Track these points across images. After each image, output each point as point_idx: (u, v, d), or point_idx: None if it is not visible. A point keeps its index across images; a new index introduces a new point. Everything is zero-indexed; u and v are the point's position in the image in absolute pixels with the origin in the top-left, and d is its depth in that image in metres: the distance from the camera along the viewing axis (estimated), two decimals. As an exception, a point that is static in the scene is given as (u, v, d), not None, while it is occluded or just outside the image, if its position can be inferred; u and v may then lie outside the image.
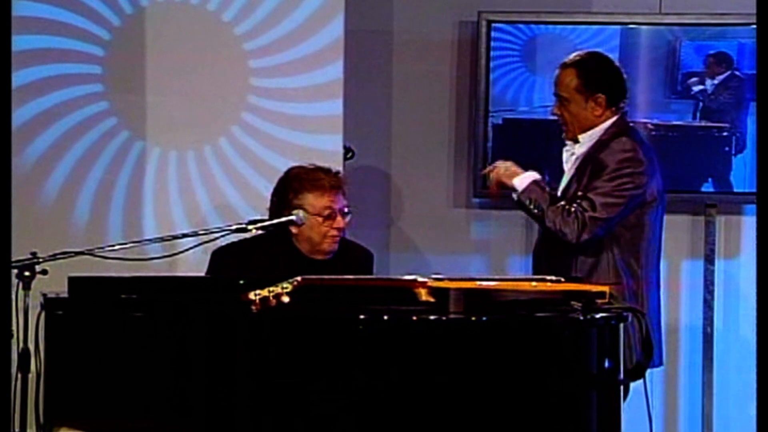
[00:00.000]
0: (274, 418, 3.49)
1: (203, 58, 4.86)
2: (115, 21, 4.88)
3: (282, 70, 4.90)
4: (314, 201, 4.19)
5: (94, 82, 4.87)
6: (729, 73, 5.32)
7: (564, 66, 4.29)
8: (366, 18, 5.35)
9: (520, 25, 5.35)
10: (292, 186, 4.22)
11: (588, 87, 4.21)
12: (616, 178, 4.13)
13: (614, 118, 4.23)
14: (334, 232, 4.21)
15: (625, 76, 4.30)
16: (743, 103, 5.31)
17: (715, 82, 5.32)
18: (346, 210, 4.25)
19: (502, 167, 4.24)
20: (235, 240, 4.20)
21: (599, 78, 4.23)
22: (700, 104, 5.34)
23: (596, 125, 4.22)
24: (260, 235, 4.16)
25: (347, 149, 5.06)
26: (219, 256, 4.22)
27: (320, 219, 4.18)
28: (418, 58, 5.45)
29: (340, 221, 4.21)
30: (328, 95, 4.90)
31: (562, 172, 4.34)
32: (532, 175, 4.20)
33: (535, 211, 4.15)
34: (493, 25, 5.32)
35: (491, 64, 5.33)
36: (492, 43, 5.33)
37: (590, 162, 4.20)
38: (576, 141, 4.28)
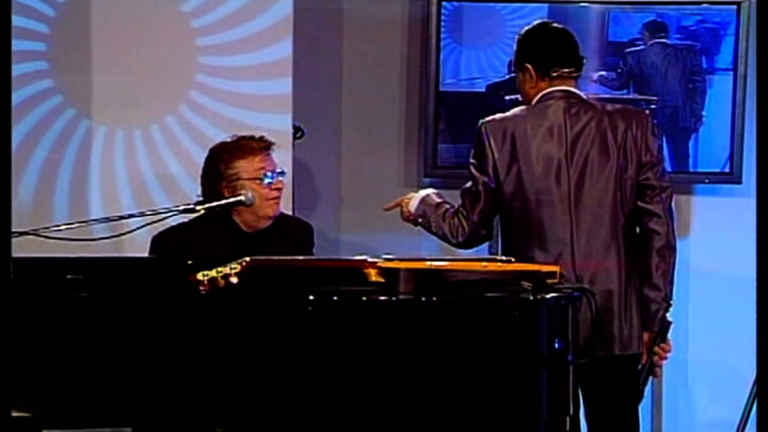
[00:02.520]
0: (222, 399, 3.46)
1: (150, 35, 4.83)
2: (60, -3, 4.85)
3: (230, 48, 4.87)
4: (247, 165, 4.18)
5: (38, 59, 4.83)
6: (657, 40, 5.34)
7: None
8: (316, -5, 5.34)
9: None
10: (221, 158, 4.20)
11: (518, 61, 4.11)
12: (469, 164, 4.06)
13: (546, 90, 4.05)
14: (275, 194, 4.21)
15: (563, 43, 4.10)
16: (673, 73, 5.33)
17: (643, 50, 5.33)
18: (279, 170, 4.23)
19: (402, 204, 4.16)
20: (174, 224, 4.17)
21: (526, 48, 4.09)
22: (627, 74, 5.35)
23: (533, 98, 4.08)
24: (199, 215, 4.13)
25: (297, 128, 5.04)
26: (159, 242, 4.19)
27: (257, 182, 4.17)
28: (369, 37, 5.43)
29: (277, 182, 4.21)
30: (277, 74, 4.88)
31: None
32: (422, 193, 4.14)
33: (425, 223, 4.10)
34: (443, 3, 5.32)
35: (442, 43, 5.33)
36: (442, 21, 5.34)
37: None
38: None
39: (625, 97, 5.28)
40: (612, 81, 5.33)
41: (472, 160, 4.05)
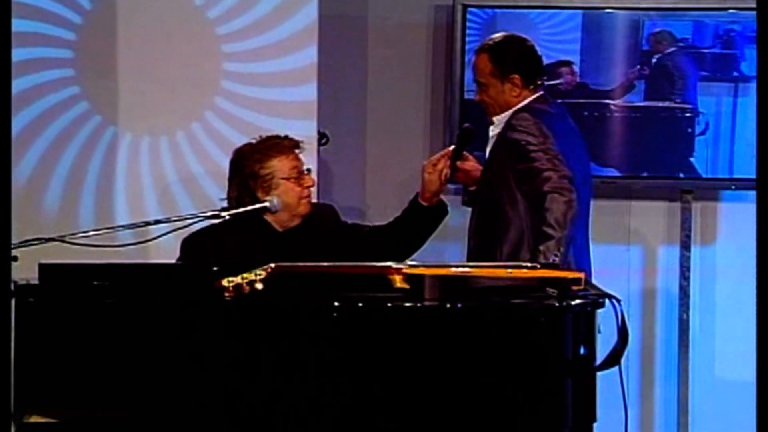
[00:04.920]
0: (248, 407, 3.46)
1: (176, 42, 4.83)
2: (86, 4, 4.85)
3: (256, 54, 4.87)
4: (280, 164, 4.18)
5: (65, 66, 4.84)
6: (672, 50, 5.31)
7: (478, 51, 4.36)
8: (340, 2, 5.33)
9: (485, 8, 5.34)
10: (253, 159, 4.19)
11: (502, 69, 4.28)
12: (538, 151, 4.16)
13: (532, 97, 4.28)
14: (307, 192, 4.21)
15: (540, 54, 4.35)
16: (688, 81, 5.30)
17: (655, 60, 5.31)
18: (307, 168, 4.24)
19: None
20: (204, 226, 4.16)
21: (512, 59, 4.29)
22: (644, 84, 5.33)
23: (515, 106, 4.27)
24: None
25: (321, 135, 5.04)
26: (189, 244, 4.18)
27: (293, 181, 4.17)
28: (393, 43, 5.42)
29: (309, 179, 4.22)
30: (303, 80, 4.88)
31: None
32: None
33: (560, 235, 4.12)
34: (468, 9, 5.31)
35: (466, 48, 5.31)
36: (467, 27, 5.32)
37: (504, 145, 4.25)
38: (493, 123, 4.34)
39: (660, 105, 5.27)
40: (645, 88, 5.33)
41: (540, 145, 4.15)
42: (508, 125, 4.24)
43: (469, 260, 4.29)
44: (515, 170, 4.18)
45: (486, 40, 4.42)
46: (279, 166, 4.17)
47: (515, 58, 4.30)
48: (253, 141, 4.26)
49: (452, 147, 4.41)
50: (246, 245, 4.10)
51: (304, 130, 4.84)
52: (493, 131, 4.33)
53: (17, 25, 4.71)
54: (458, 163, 4.37)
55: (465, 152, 4.40)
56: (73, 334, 3.52)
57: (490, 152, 4.31)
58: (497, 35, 4.43)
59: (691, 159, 5.29)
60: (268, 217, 4.20)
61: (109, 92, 4.83)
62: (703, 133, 5.28)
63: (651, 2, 5.33)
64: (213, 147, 4.87)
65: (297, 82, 4.88)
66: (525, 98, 4.28)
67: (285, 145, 4.20)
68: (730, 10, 5.29)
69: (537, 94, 4.30)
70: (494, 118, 4.32)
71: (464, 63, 5.32)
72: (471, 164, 4.41)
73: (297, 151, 4.22)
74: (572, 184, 4.11)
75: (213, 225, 4.16)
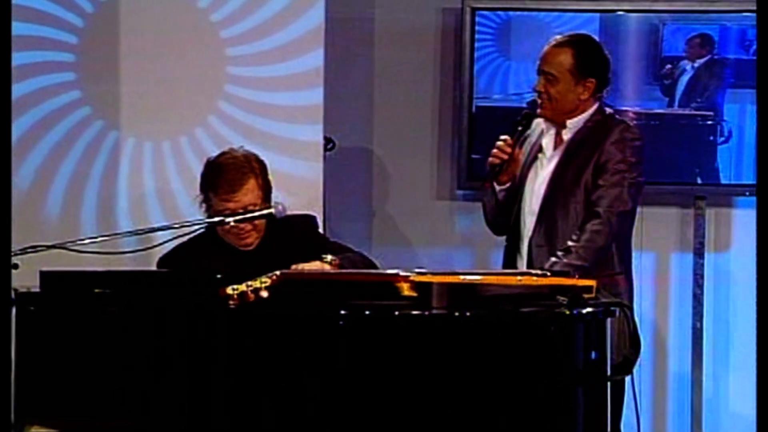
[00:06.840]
0: (254, 415, 3.43)
1: (179, 46, 4.81)
2: (88, 8, 4.84)
3: (260, 58, 4.84)
4: (213, 202, 4.01)
5: (67, 70, 4.82)
6: (710, 57, 5.27)
7: (559, 44, 4.21)
8: (347, 5, 5.32)
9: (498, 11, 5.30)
10: (201, 180, 4.05)
11: (582, 69, 4.16)
12: (634, 166, 4.15)
13: (596, 106, 4.19)
14: (241, 232, 3.99)
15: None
16: (723, 89, 5.26)
17: (696, 65, 5.26)
18: (253, 206, 3.97)
19: None
20: (177, 244, 4.04)
21: (594, 62, 4.19)
22: (679, 90, 5.28)
23: (579, 110, 4.18)
24: (197, 234, 4.01)
25: (328, 140, 5.02)
26: (166, 263, 4.07)
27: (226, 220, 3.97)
28: (401, 46, 5.41)
29: (247, 225, 3.98)
30: (308, 84, 4.85)
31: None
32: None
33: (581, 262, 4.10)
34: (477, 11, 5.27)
35: (476, 53, 5.28)
36: (476, 29, 5.28)
37: (594, 150, 4.16)
38: (562, 125, 4.22)
39: (681, 112, 5.22)
40: (666, 97, 5.29)
41: (637, 161, 4.17)
42: (596, 131, 4.17)
43: (530, 266, 4.20)
44: (599, 178, 4.14)
45: (567, 35, 4.29)
46: (213, 198, 4.01)
47: (598, 62, 4.20)
48: (217, 159, 4.05)
49: (505, 137, 4.26)
50: (217, 265, 3.96)
51: (310, 134, 4.84)
52: (562, 133, 4.23)
53: (18, 28, 4.72)
54: (516, 150, 4.25)
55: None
56: (75, 343, 3.50)
57: (569, 156, 4.20)
58: (576, 32, 4.35)
59: (708, 166, 5.25)
60: (223, 238, 4.05)
61: (112, 96, 4.82)
62: (726, 141, 5.23)
63: (668, 5, 5.29)
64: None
65: (303, 86, 4.86)
66: (589, 106, 4.18)
67: (218, 184, 3.97)
68: (744, 14, 5.25)
69: (598, 104, 4.21)
70: (568, 122, 4.21)
71: (473, 66, 5.29)
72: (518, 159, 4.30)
73: (236, 190, 3.96)
74: (620, 225, 4.10)
75: (183, 243, 4.04)
